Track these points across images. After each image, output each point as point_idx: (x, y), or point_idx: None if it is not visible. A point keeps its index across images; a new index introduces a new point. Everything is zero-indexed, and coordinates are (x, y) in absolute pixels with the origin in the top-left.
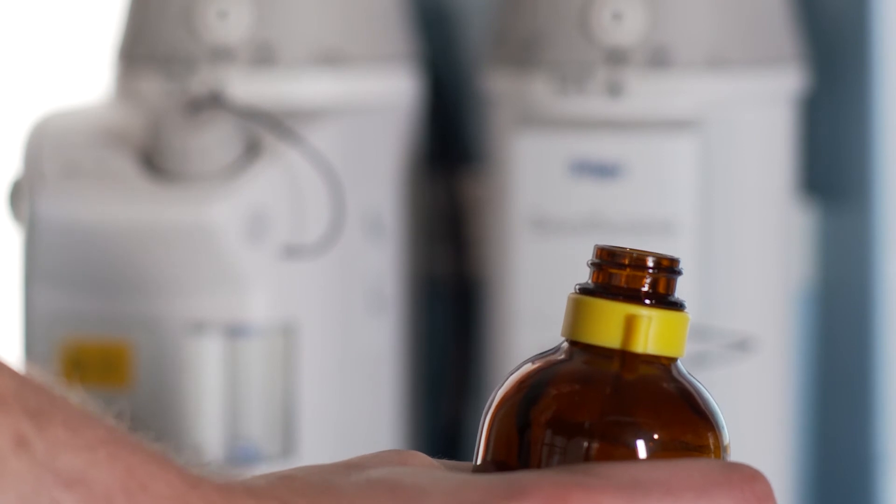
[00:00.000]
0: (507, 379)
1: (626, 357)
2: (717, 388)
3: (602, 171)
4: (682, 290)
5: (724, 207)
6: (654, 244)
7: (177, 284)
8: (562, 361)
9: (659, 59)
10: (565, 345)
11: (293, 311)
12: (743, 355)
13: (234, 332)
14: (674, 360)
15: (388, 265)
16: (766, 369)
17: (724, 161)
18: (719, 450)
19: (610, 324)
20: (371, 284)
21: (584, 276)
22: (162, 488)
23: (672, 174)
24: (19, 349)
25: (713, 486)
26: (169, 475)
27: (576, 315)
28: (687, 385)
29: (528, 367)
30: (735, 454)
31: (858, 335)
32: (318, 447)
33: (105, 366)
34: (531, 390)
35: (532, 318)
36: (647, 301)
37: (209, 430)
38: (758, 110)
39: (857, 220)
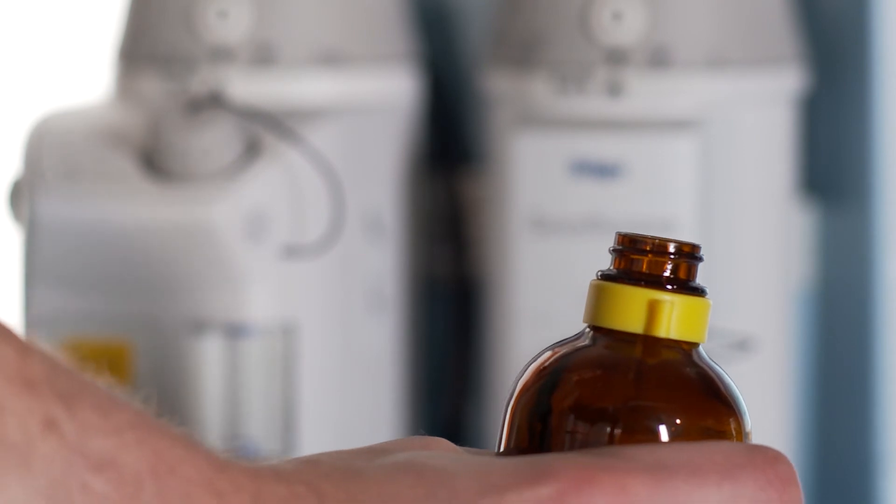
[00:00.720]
0: (529, 366)
1: (648, 342)
2: None
3: (602, 171)
4: None
5: (723, 207)
6: None
7: (177, 284)
8: (584, 347)
9: (659, 59)
10: (587, 331)
11: (293, 310)
12: (743, 355)
13: (234, 331)
14: (695, 345)
15: (388, 265)
16: (766, 369)
17: (724, 161)
18: (741, 435)
19: (632, 309)
20: (371, 284)
21: (584, 276)
22: (190, 471)
23: (672, 174)
24: None
25: (737, 468)
26: (197, 458)
27: (598, 301)
28: (709, 370)
29: (550, 354)
30: None
31: (858, 335)
32: (318, 447)
33: (105, 366)
34: (553, 377)
35: (532, 318)
36: (669, 286)
37: (209, 430)
38: (758, 110)
39: (857, 220)
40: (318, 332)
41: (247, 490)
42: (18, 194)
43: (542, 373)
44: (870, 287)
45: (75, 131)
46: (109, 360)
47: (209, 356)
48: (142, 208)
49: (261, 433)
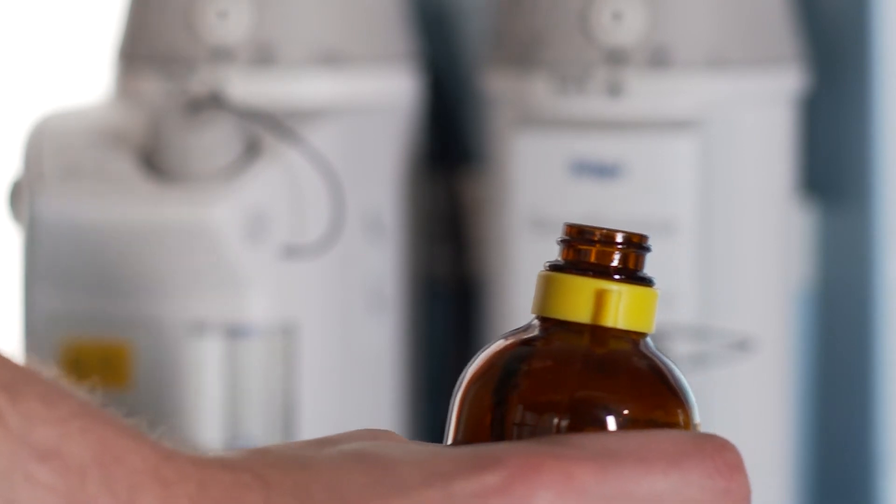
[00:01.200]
0: (478, 357)
1: (595, 332)
2: (717, 388)
3: (602, 171)
4: (682, 289)
5: (724, 207)
6: (654, 244)
7: (176, 285)
8: (532, 338)
9: (659, 59)
10: (536, 321)
11: (293, 311)
12: (742, 355)
13: (234, 332)
14: (643, 335)
15: (388, 265)
16: (766, 369)
17: (724, 161)
18: (689, 426)
19: (580, 299)
20: (371, 284)
21: None
22: (136, 460)
23: (672, 174)
24: (19, 349)
25: (684, 456)
26: (143, 448)
27: (546, 291)
28: (657, 361)
29: (499, 345)
30: None
31: (858, 335)
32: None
33: (105, 366)
34: (502, 368)
35: (531, 318)
36: (617, 276)
37: (209, 431)
38: (758, 110)
39: (857, 220)
40: (318, 332)
41: (192, 478)
42: (18, 194)
43: (490, 364)
44: (870, 287)
45: (75, 131)
46: (109, 360)
47: (209, 357)
48: (142, 208)
49: (261, 434)
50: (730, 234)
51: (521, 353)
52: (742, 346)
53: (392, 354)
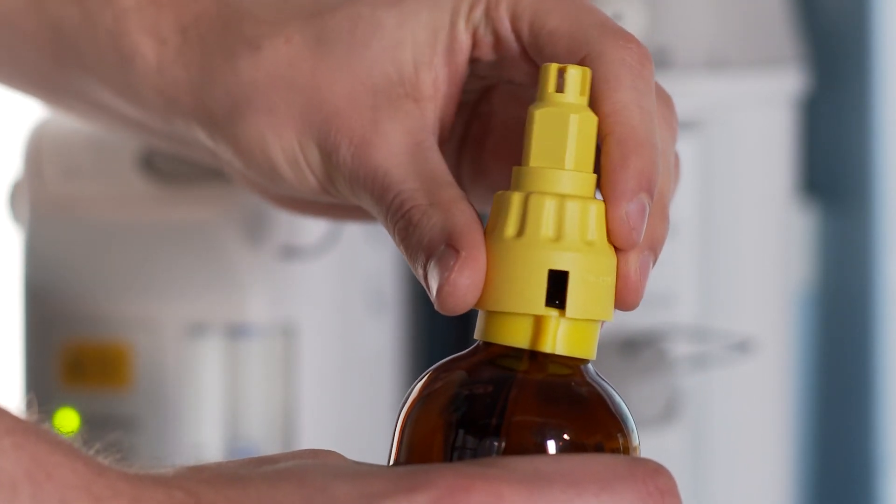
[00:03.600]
0: (420, 381)
1: (534, 357)
2: (717, 389)
3: None
4: (682, 290)
5: (724, 208)
6: None
7: (176, 285)
8: (473, 363)
9: (659, 59)
10: (479, 346)
11: (293, 311)
12: (743, 356)
13: (234, 332)
14: (584, 361)
15: (388, 265)
16: (767, 371)
17: (724, 162)
18: (628, 451)
19: (519, 325)
20: (371, 285)
21: None
22: (68, 476)
23: None
24: (19, 350)
25: (616, 479)
26: (75, 463)
27: (487, 317)
28: (595, 387)
29: (439, 370)
30: (735, 456)
31: (858, 336)
32: (319, 447)
33: (105, 367)
34: (442, 391)
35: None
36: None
37: (209, 431)
38: (758, 111)
39: (857, 222)
40: (317, 332)
41: (125, 495)
42: (18, 195)
43: (430, 388)
44: (870, 288)
45: (75, 132)
46: (109, 360)
47: (209, 357)
48: (141, 209)
49: (261, 434)
50: (730, 236)
51: (460, 378)
52: (742, 347)
53: (392, 355)
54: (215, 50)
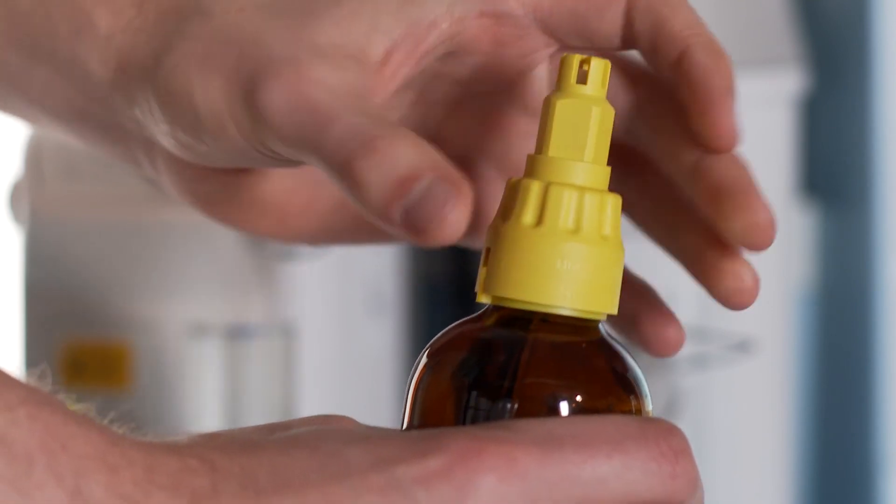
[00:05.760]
0: (431, 344)
1: (545, 319)
2: (718, 389)
3: None
4: (682, 290)
5: None
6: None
7: (177, 286)
8: (483, 326)
9: None
10: (488, 309)
11: (293, 312)
12: (743, 356)
13: (234, 333)
14: (597, 323)
15: (388, 266)
16: (767, 370)
17: None
18: (641, 414)
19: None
20: (371, 286)
21: None
22: (82, 446)
23: None
24: (19, 350)
25: (628, 440)
26: (89, 433)
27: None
28: (609, 349)
29: (451, 333)
30: (735, 456)
31: (858, 336)
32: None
33: (105, 367)
34: (453, 354)
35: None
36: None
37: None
38: (758, 111)
39: (857, 222)
40: (317, 333)
41: (139, 463)
42: (18, 195)
43: (443, 351)
44: (870, 288)
45: None
46: (109, 360)
47: (209, 358)
48: (141, 209)
49: None
50: None
51: (472, 341)
52: (742, 347)
53: (392, 355)
54: (167, 18)
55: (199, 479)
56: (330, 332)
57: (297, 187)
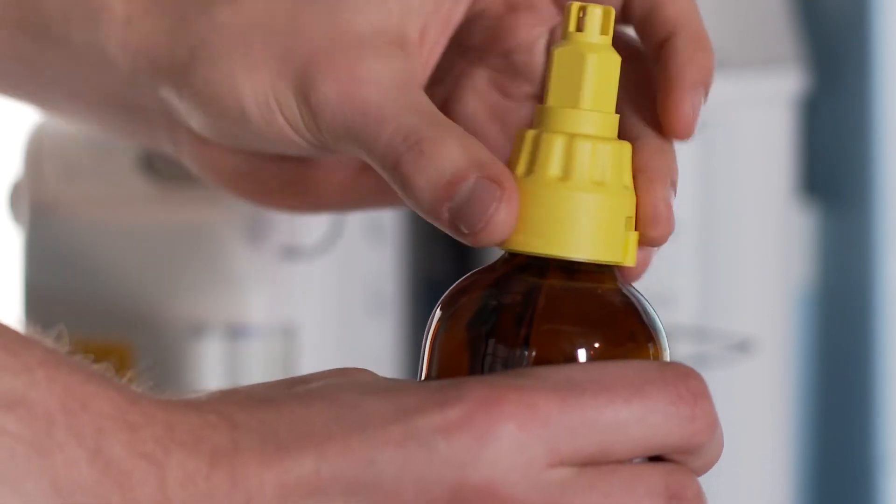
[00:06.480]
0: (448, 294)
1: (561, 266)
2: (717, 389)
3: None
4: (682, 290)
5: (724, 209)
6: None
7: (177, 286)
8: (500, 273)
9: None
10: (506, 255)
11: (293, 312)
12: (743, 357)
13: (235, 333)
14: (612, 271)
15: (388, 266)
16: (767, 371)
17: (724, 162)
18: (659, 360)
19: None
20: (371, 286)
21: None
22: (102, 406)
23: None
24: None
25: (647, 384)
26: (109, 392)
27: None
28: (625, 296)
29: (468, 282)
30: (735, 456)
31: (858, 336)
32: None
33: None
34: (470, 304)
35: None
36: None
37: None
38: (758, 111)
39: (857, 222)
40: (318, 333)
41: (159, 421)
42: (18, 196)
43: (459, 301)
44: (870, 288)
45: (75, 133)
46: (110, 361)
47: (209, 357)
48: (141, 209)
49: None
50: (730, 236)
51: (488, 290)
52: (742, 347)
53: (392, 355)
54: (189, 1)
55: (218, 434)
56: (330, 332)
57: (320, 161)
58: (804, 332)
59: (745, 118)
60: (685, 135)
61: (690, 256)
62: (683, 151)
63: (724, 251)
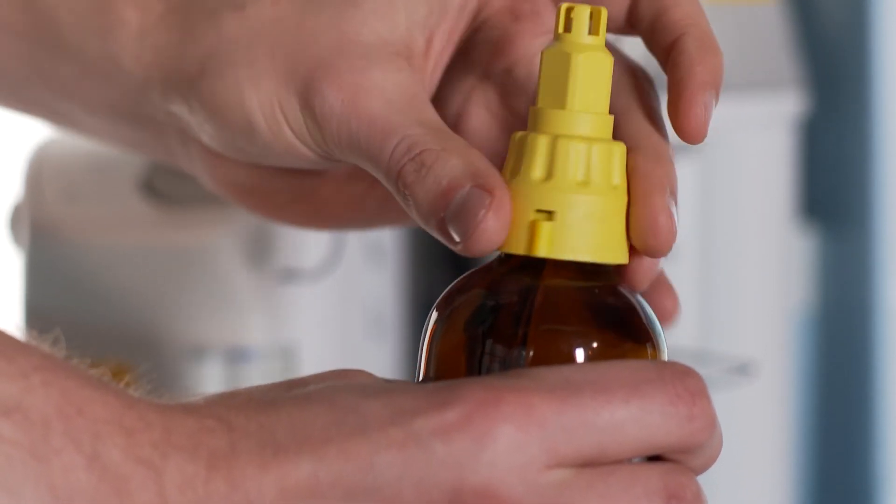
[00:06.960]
0: (445, 295)
1: (556, 266)
2: (717, 412)
3: None
4: (682, 313)
5: (724, 231)
6: None
7: (177, 308)
8: (497, 274)
9: (659, 82)
10: (502, 256)
11: (293, 334)
12: (743, 379)
13: (235, 355)
14: (609, 270)
15: (388, 289)
16: (766, 393)
17: (724, 184)
18: (657, 360)
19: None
20: (371, 308)
21: None
22: (99, 410)
23: None
24: None
25: (645, 383)
26: (106, 397)
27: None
28: (623, 296)
29: (464, 282)
30: (735, 477)
31: (858, 358)
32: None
33: None
34: (466, 305)
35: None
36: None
37: None
38: (758, 134)
39: (856, 244)
40: (318, 355)
41: (157, 426)
42: (19, 218)
43: (456, 300)
44: (869, 310)
45: (75, 155)
46: None
47: (209, 380)
48: (142, 232)
49: None
50: (730, 258)
51: (485, 290)
52: (742, 370)
53: (392, 377)
54: (198, 13)
55: (216, 438)
56: (330, 355)
57: (330, 177)
58: (804, 355)
59: (745, 140)
60: (698, 137)
61: (690, 278)
62: (683, 173)
63: (723, 273)
